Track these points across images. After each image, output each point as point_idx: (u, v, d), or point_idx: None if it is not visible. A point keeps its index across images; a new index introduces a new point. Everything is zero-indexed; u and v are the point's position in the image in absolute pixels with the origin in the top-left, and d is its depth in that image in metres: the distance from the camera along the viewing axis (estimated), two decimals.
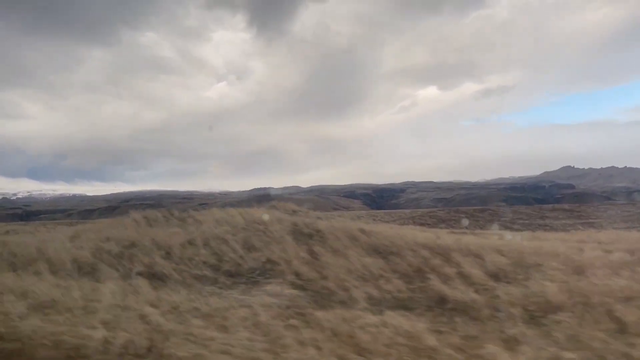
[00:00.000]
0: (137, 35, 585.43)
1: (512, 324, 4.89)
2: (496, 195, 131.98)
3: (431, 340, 4.34)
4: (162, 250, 9.35)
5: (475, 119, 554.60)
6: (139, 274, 7.90)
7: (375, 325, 4.74)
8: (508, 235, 15.51)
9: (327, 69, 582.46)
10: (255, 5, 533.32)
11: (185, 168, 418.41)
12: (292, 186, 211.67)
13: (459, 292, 6.24)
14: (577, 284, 6.16)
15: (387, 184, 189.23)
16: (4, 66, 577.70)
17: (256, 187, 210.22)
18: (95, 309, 5.31)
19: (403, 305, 6.01)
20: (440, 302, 6.12)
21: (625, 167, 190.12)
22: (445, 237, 11.57)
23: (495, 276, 7.14)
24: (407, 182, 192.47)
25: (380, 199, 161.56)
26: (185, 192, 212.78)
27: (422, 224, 38.26)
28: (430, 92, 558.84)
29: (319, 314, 5.24)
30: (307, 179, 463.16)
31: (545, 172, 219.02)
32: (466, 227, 30.25)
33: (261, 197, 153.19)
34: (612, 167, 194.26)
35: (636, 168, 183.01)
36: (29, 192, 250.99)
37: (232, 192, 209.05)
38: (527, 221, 38.55)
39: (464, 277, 7.10)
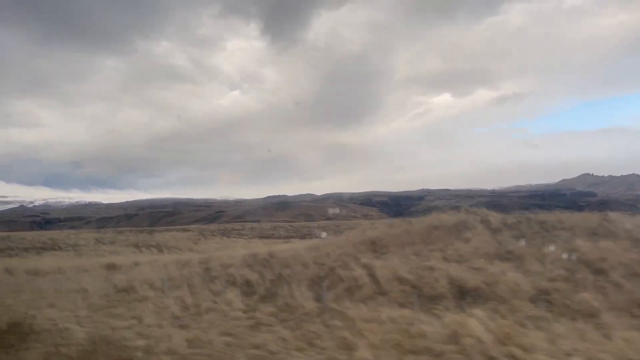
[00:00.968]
0: (151, 45, 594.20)
1: None
2: (517, 204, 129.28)
3: None
4: None
5: (490, 126, 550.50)
6: None
7: None
8: None
9: (340, 77, 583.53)
10: (269, 14, 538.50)
11: (198, 176, 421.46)
12: (306, 194, 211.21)
13: None
14: None
15: (403, 192, 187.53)
16: (21, 76, 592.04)
17: (270, 195, 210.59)
18: None
19: None
20: None
21: None
22: None
23: None
24: (423, 189, 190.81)
25: (397, 206, 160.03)
26: (200, 199, 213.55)
27: None
28: (444, 99, 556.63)
29: None
30: (320, 187, 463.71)
31: (563, 180, 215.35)
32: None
33: (279, 205, 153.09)
34: (633, 174, 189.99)
35: None
36: (45, 199, 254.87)
37: (246, 199, 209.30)
38: None
39: None
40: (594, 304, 6.74)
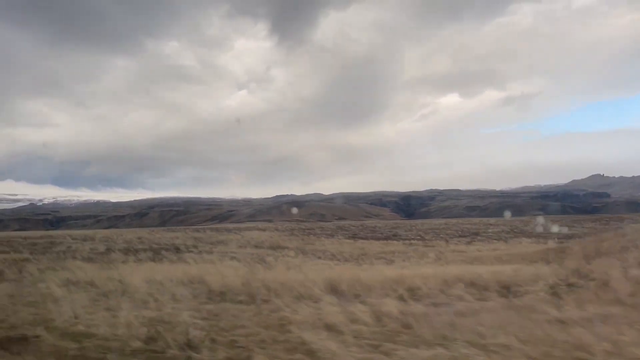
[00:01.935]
0: (160, 45, 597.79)
1: None
2: (530, 204, 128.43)
3: None
4: None
5: (498, 127, 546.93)
6: None
7: None
8: None
9: (347, 77, 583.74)
10: (277, 14, 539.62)
11: (206, 175, 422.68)
12: (314, 193, 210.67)
13: None
14: None
15: (411, 192, 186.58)
16: (31, 76, 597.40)
17: (278, 195, 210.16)
18: None
19: None
20: None
21: None
22: None
23: None
24: (433, 189, 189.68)
25: (408, 207, 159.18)
26: (208, 199, 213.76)
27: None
28: (451, 99, 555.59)
29: None
30: (327, 186, 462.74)
31: (574, 181, 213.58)
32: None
33: (289, 204, 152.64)
34: None
35: None
36: (54, 198, 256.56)
37: (255, 199, 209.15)
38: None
39: None
40: None
